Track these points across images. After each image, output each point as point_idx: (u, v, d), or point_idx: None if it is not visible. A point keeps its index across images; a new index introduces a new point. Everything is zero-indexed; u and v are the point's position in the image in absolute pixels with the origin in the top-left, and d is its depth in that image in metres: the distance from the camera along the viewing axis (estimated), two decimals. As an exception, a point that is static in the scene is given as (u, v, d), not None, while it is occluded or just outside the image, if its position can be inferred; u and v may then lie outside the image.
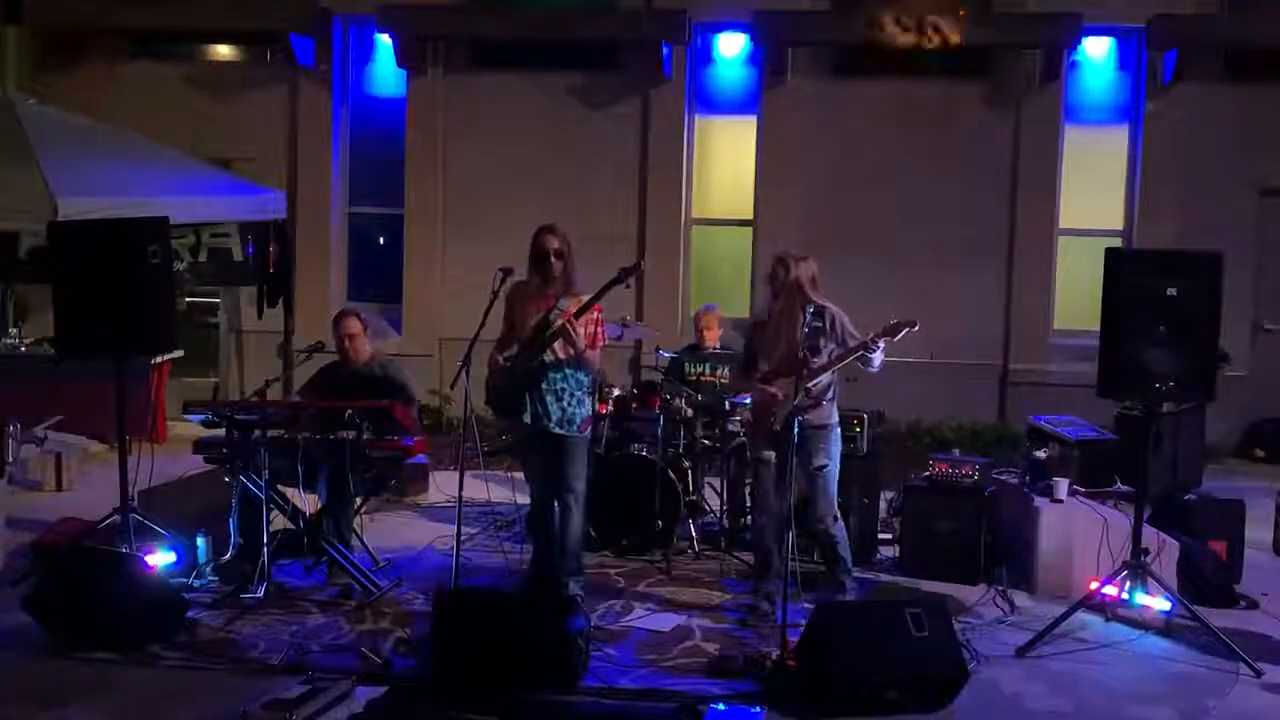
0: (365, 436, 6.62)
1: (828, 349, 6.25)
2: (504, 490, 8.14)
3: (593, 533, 7.44)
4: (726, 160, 11.76)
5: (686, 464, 7.64)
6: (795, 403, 6.03)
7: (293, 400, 7.35)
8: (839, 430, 6.47)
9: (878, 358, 6.15)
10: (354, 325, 7.23)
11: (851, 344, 6.20)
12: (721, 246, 11.91)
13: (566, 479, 6.36)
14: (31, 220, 8.30)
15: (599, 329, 6.38)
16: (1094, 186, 11.30)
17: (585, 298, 6.24)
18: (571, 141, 11.49)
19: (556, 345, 6.23)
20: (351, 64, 12.02)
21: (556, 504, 6.39)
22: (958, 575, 7.01)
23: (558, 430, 6.29)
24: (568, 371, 6.28)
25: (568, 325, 6.12)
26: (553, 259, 6.29)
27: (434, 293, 11.71)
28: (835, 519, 6.47)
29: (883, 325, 6.08)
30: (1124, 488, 7.19)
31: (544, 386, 6.26)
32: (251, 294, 11.46)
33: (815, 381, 6.19)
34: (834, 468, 6.43)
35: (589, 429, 6.46)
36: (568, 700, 5.27)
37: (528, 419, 6.31)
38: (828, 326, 6.26)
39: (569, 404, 6.29)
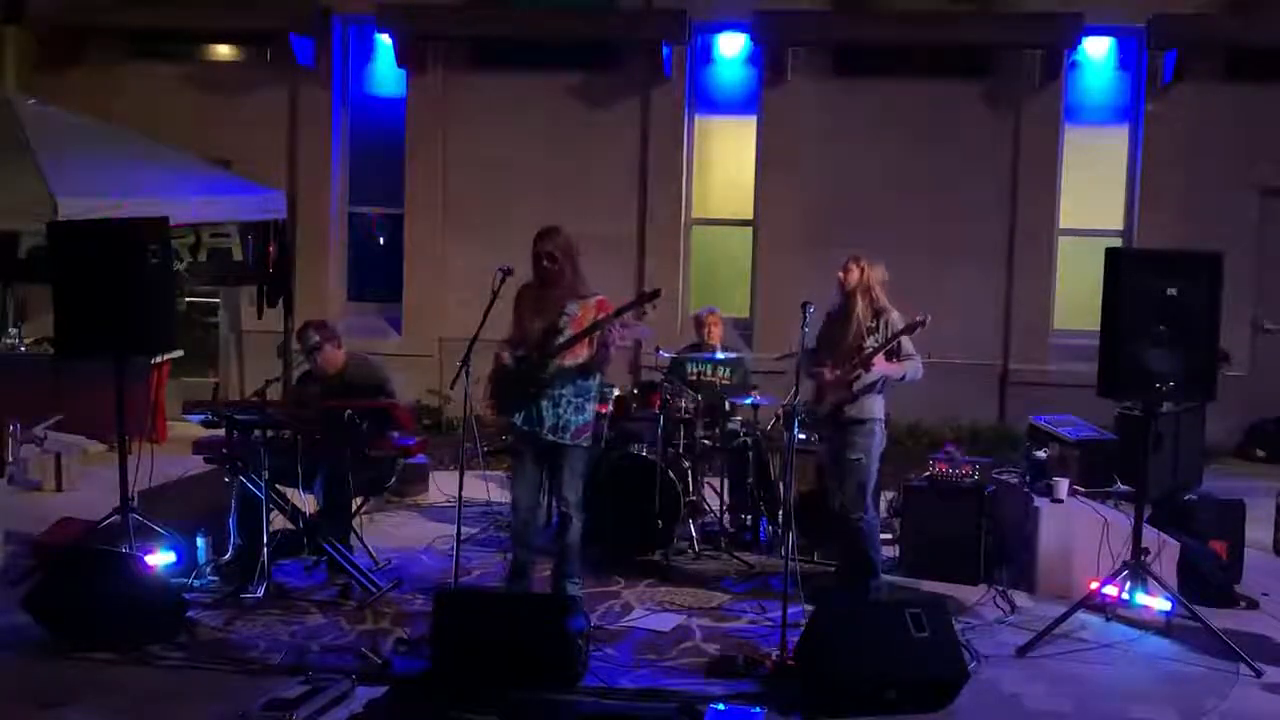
0: (365, 437, 6.62)
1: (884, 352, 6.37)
2: (504, 490, 8.13)
3: (592, 532, 7.44)
4: (726, 160, 11.77)
5: (686, 464, 7.64)
6: (791, 403, 6.14)
7: (293, 401, 7.33)
8: (880, 425, 6.49)
9: (885, 370, 6.32)
10: (315, 337, 7.05)
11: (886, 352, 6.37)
12: (721, 246, 11.91)
13: (560, 489, 6.28)
14: (31, 220, 8.30)
15: (614, 330, 6.14)
16: (1094, 186, 11.30)
17: (593, 301, 6.18)
18: (571, 141, 11.49)
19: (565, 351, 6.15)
20: (351, 64, 12.03)
21: (555, 514, 6.31)
22: (958, 575, 7.01)
23: (550, 437, 6.19)
24: (569, 378, 6.17)
25: (603, 327, 6.06)
26: (545, 263, 6.16)
27: (434, 293, 11.71)
28: (862, 514, 6.47)
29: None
30: (1124, 488, 7.19)
31: (542, 391, 6.17)
32: (251, 294, 11.45)
33: (859, 379, 6.32)
34: (866, 462, 6.45)
35: (586, 436, 6.31)
36: (568, 700, 5.26)
37: (521, 422, 6.23)
38: (879, 327, 6.37)
39: (564, 410, 6.17)
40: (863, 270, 6.48)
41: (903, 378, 6.39)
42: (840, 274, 6.50)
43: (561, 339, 6.13)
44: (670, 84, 11.35)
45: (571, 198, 11.12)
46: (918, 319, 6.28)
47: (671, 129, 11.44)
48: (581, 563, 6.48)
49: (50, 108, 10.06)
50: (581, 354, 6.17)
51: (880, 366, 6.31)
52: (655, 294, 6.16)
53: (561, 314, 6.18)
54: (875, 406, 6.45)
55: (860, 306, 6.46)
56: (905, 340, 6.36)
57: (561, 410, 6.18)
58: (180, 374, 10.74)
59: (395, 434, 6.83)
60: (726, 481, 7.84)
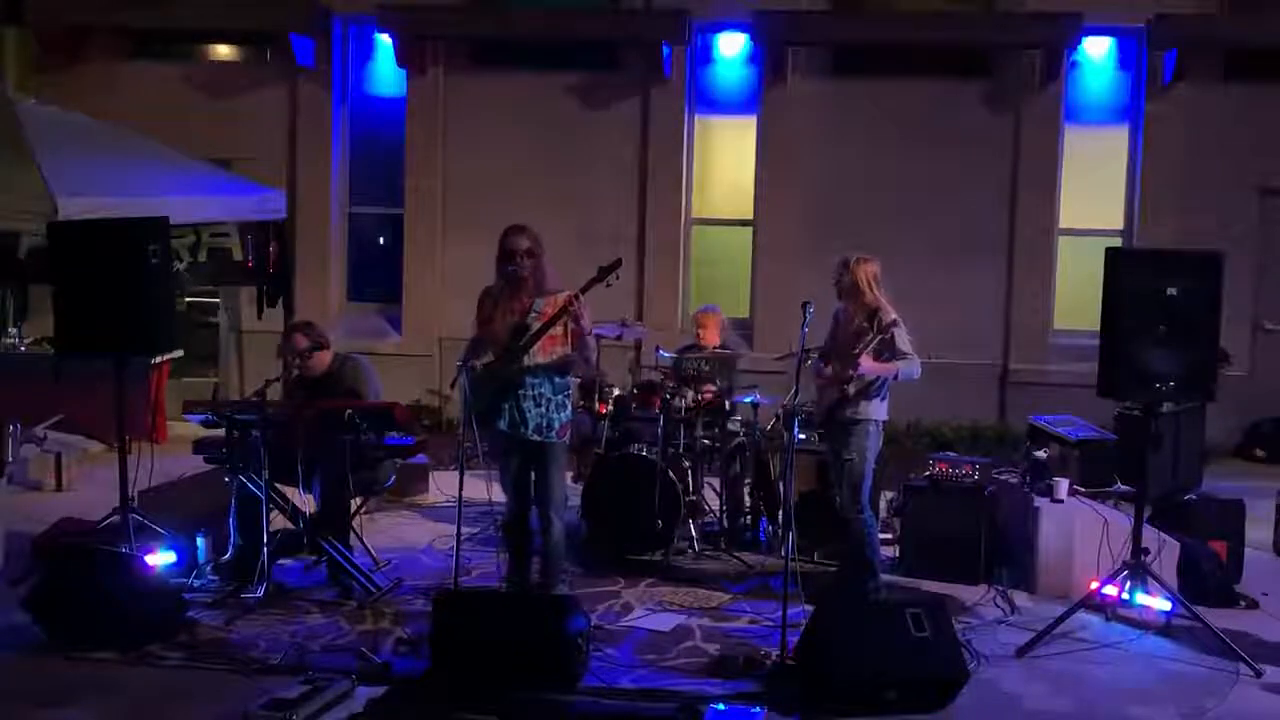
0: (365, 437, 6.61)
1: (872, 351, 6.33)
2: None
3: (592, 532, 7.44)
4: (726, 160, 11.77)
5: (686, 464, 7.63)
6: (791, 403, 6.14)
7: (294, 401, 7.31)
8: (877, 426, 6.48)
9: (874, 370, 6.29)
10: (301, 342, 7.00)
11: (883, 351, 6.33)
12: (721, 246, 11.90)
13: (546, 489, 6.22)
14: (31, 220, 8.29)
15: (582, 310, 6.02)
16: (1094, 186, 11.30)
17: (561, 296, 6.04)
18: (571, 141, 11.50)
19: (536, 348, 6.06)
20: (351, 64, 12.03)
21: (536, 514, 6.27)
22: (958, 575, 7.00)
23: (535, 437, 6.14)
24: (548, 375, 6.11)
25: (568, 311, 5.96)
26: (522, 258, 6.09)
27: (434, 293, 11.71)
28: (859, 513, 6.47)
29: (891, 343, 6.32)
30: (1124, 488, 7.19)
31: (522, 392, 6.09)
32: (251, 294, 11.46)
33: (852, 379, 6.30)
34: (860, 463, 6.44)
35: (568, 434, 6.29)
36: (567, 700, 5.26)
37: (504, 425, 6.16)
38: (873, 327, 6.33)
39: (547, 409, 6.12)
40: (843, 274, 6.46)
41: (896, 376, 6.36)
42: (835, 277, 6.50)
43: (529, 336, 6.04)
44: (670, 84, 11.35)
45: (571, 198, 11.13)
46: (887, 321, 6.26)
47: (671, 129, 11.44)
48: (566, 563, 6.45)
49: (50, 108, 10.06)
50: (556, 350, 6.12)
51: (868, 366, 6.27)
52: (616, 264, 6.02)
53: (529, 312, 6.11)
54: (872, 408, 6.44)
55: (848, 308, 6.47)
56: (902, 339, 6.34)
57: (544, 409, 6.13)
58: (180, 374, 10.74)
59: (394, 434, 6.83)
60: (726, 481, 7.83)
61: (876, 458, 6.57)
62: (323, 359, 7.06)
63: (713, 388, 7.80)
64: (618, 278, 6.01)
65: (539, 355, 6.09)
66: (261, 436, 6.50)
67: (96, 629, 5.75)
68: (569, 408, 6.28)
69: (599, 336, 7.98)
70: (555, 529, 6.27)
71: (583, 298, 5.96)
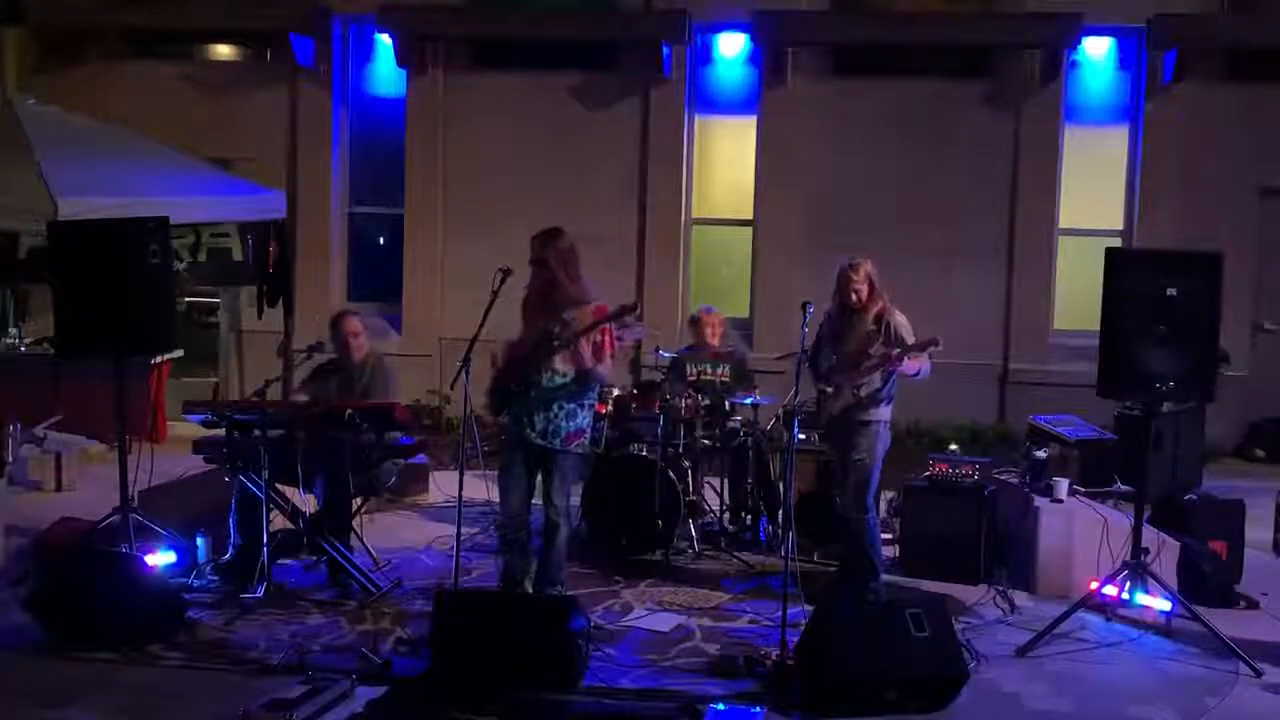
0: (365, 437, 6.62)
1: (879, 352, 6.33)
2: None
3: (592, 532, 7.44)
4: (726, 160, 11.77)
5: (686, 464, 7.63)
6: (791, 403, 6.14)
7: (293, 400, 7.31)
8: (885, 427, 6.49)
9: (911, 365, 6.28)
10: (356, 324, 7.26)
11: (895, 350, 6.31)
12: (721, 246, 11.91)
13: (549, 495, 6.21)
14: (31, 220, 8.30)
15: (607, 338, 6.16)
16: (1094, 186, 11.30)
17: (591, 307, 6.08)
18: (571, 141, 11.50)
19: (557, 357, 6.07)
20: (351, 64, 12.04)
21: (542, 517, 6.28)
22: (958, 575, 7.00)
23: (539, 441, 6.13)
24: (564, 383, 6.10)
25: (574, 337, 6.00)
26: (535, 268, 6.14)
27: (434, 293, 11.72)
28: (863, 512, 6.47)
29: (911, 343, 6.30)
30: (1124, 488, 7.19)
31: (534, 395, 6.10)
32: (251, 294, 11.46)
33: (862, 383, 6.32)
34: (869, 462, 6.45)
35: (578, 443, 6.23)
36: (568, 700, 5.27)
37: (512, 423, 6.19)
38: (881, 330, 6.34)
39: (556, 414, 6.10)
40: (872, 285, 6.45)
41: (917, 374, 6.36)
42: (852, 291, 6.43)
43: (555, 345, 6.05)
44: (670, 84, 11.35)
45: (571, 197, 11.12)
46: (931, 341, 6.20)
47: (671, 129, 11.44)
48: (564, 569, 6.44)
49: (50, 108, 10.07)
50: (576, 361, 6.09)
51: (910, 364, 6.25)
52: (632, 307, 6.13)
53: (556, 323, 6.10)
54: (881, 410, 6.45)
55: (867, 318, 6.46)
56: (910, 336, 6.35)
57: (552, 414, 6.12)
58: (180, 374, 10.74)
59: (396, 434, 6.84)
60: (726, 481, 7.84)
61: (884, 457, 6.58)
62: (364, 345, 7.21)
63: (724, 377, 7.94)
64: (626, 324, 6.14)
65: (556, 364, 6.09)
66: (262, 436, 6.50)
67: (96, 629, 5.75)
68: (582, 417, 6.21)
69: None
70: (560, 535, 6.26)
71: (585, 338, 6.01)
